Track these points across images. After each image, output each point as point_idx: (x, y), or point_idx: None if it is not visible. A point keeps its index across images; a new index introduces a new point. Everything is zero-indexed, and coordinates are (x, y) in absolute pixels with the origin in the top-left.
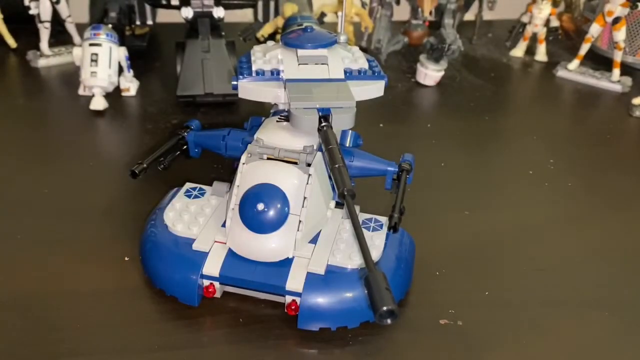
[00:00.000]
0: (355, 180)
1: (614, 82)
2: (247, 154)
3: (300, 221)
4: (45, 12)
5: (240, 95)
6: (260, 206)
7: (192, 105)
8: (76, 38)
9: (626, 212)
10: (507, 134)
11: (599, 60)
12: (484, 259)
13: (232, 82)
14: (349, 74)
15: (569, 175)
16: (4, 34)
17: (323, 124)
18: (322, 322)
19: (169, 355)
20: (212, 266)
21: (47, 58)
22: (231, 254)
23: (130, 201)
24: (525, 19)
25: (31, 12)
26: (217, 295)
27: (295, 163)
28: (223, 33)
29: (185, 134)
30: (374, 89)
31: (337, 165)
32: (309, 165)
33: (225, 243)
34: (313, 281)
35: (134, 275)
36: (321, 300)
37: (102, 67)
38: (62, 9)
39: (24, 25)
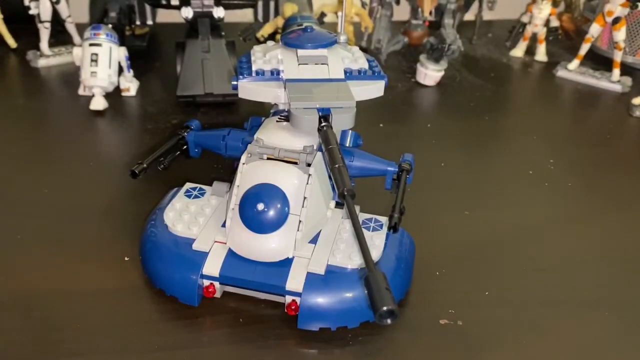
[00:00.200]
0: (355, 180)
1: (614, 82)
2: (247, 154)
3: (300, 221)
4: (45, 12)
5: (240, 95)
6: (260, 206)
7: (192, 105)
8: (76, 38)
9: (626, 212)
10: (507, 134)
11: (599, 60)
12: (484, 259)
13: (232, 82)
14: (349, 74)
15: (569, 175)
16: (4, 34)
17: (323, 124)
18: (322, 322)
19: (169, 355)
20: (212, 266)
21: (47, 58)
22: (231, 254)
23: (130, 201)
24: (525, 19)
25: (31, 12)
26: (217, 295)
27: (295, 163)
28: (223, 33)
29: (185, 134)
30: (374, 89)
31: (337, 165)
32: (309, 165)
33: (225, 243)
34: (313, 281)
35: (134, 275)
36: (321, 300)
37: (102, 67)
38: (62, 9)
39: (24, 25)
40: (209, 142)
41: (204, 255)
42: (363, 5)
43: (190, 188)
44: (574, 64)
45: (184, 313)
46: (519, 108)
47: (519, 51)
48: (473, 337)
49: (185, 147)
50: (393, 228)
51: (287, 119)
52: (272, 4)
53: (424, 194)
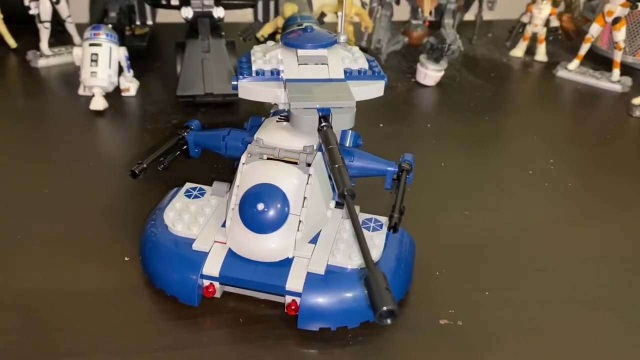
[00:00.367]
0: (355, 180)
1: (614, 82)
2: (247, 154)
3: (300, 221)
4: (45, 12)
5: (240, 95)
6: (260, 206)
7: (192, 105)
8: (76, 38)
9: (626, 212)
10: (507, 134)
11: (599, 60)
12: (484, 259)
13: (232, 82)
14: (349, 74)
15: (569, 175)
16: (4, 34)
17: (323, 124)
18: (322, 322)
19: (169, 355)
20: (212, 266)
21: (47, 58)
22: (231, 254)
23: (130, 201)
24: (525, 19)
25: (31, 12)
26: (217, 295)
27: (295, 163)
28: (223, 33)
29: (185, 134)
30: (374, 89)
31: (337, 165)
32: (309, 165)
33: (225, 243)
34: (313, 281)
35: (134, 275)
36: (321, 300)
37: (102, 67)
38: (62, 9)
39: (24, 25)
40: (209, 142)
41: (204, 255)
42: (363, 5)
43: (190, 188)
44: (574, 64)
45: (184, 313)
46: (519, 108)
47: (519, 51)
48: (473, 337)
49: (185, 147)
50: (393, 228)
51: (287, 119)
52: (272, 4)
53: (424, 194)
